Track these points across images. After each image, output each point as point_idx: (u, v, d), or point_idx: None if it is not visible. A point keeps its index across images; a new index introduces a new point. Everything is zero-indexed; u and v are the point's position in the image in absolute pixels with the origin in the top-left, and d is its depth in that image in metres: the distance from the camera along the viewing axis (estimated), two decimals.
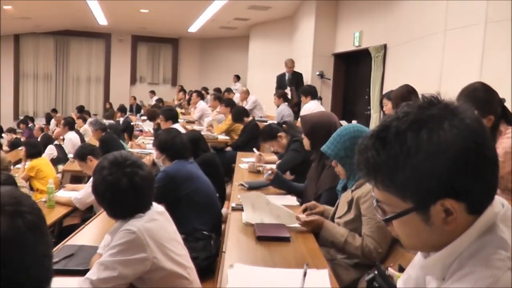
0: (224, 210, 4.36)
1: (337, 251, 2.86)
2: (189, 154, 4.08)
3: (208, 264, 3.38)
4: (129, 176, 2.28)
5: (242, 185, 4.17)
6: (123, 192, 2.27)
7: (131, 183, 2.28)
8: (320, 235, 2.85)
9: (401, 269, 1.98)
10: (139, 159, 2.44)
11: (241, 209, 3.42)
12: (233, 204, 3.53)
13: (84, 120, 11.35)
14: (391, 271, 2.02)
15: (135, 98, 16.95)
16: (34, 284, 1.00)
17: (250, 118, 7.89)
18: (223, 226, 3.95)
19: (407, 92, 4.60)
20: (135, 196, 2.31)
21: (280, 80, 10.76)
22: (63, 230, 4.87)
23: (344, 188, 3.04)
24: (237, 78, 15.37)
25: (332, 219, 2.99)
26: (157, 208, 2.45)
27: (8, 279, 0.95)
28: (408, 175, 1.04)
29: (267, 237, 2.79)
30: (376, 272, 1.92)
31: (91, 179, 4.73)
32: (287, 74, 10.62)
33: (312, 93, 7.99)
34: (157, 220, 2.37)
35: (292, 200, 3.80)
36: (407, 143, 1.03)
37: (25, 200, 1.04)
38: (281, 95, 9.11)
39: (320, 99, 9.04)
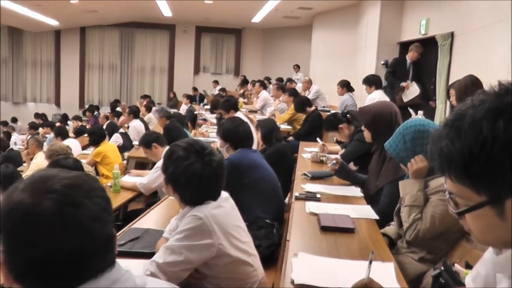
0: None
1: None
2: (252, 143, 4.08)
3: (271, 252, 3.36)
4: (208, 164, 2.31)
5: (305, 174, 4.13)
6: (202, 180, 2.30)
7: (210, 171, 2.30)
8: None
9: (468, 266, 1.90)
10: (213, 148, 2.45)
11: (304, 199, 3.40)
12: (296, 194, 3.50)
13: (148, 109, 11.59)
14: (457, 267, 1.94)
15: (196, 89, 17.14)
16: (95, 264, 1.04)
17: (313, 108, 7.81)
18: (285, 215, 3.93)
19: (471, 84, 4.41)
20: (210, 184, 2.33)
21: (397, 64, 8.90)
22: (128, 214, 4.99)
23: None
24: (298, 67, 15.26)
25: (398, 215, 2.90)
26: (223, 195, 2.45)
27: (63, 260, 0.98)
28: (482, 166, 0.96)
29: (332, 228, 2.75)
30: (442, 268, 1.85)
31: (156, 165, 4.88)
32: (408, 60, 8.55)
33: (376, 83, 7.81)
34: (223, 207, 2.38)
35: (356, 191, 3.73)
36: (483, 133, 0.96)
37: (94, 183, 1.07)
38: (344, 85, 8.96)
39: (384, 89, 8.82)
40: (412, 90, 8.13)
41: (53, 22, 16.56)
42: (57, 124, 12.14)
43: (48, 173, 1.05)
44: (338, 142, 5.82)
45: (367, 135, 3.70)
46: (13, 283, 0.98)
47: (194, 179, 2.29)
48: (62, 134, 8.18)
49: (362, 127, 3.79)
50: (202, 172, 2.29)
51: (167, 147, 4.90)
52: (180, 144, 2.39)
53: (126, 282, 1.07)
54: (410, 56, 8.34)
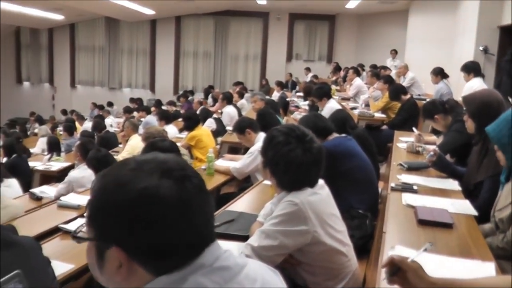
0: None
1: None
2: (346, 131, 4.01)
3: (363, 243, 3.30)
4: (309, 151, 2.30)
5: (401, 165, 4.02)
6: (301, 166, 2.29)
7: (310, 157, 2.29)
8: None
9: None
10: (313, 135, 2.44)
11: (401, 190, 3.32)
12: (393, 184, 3.41)
13: (241, 95, 11.75)
14: None
15: (291, 75, 17.16)
16: (203, 241, 1.06)
17: (408, 96, 7.58)
18: (379, 207, 3.85)
19: None
20: (309, 170, 2.33)
21: None
22: (220, 197, 5.09)
23: (507, 178, 2.77)
24: (395, 53, 14.74)
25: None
26: (319, 182, 2.43)
27: (182, 237, 1.01)
28: None
29: (429, 221, 2.66)
30: None
31: (250, 150, 4.94)
32: None
33: (475, 70, 7.40)
34: (319, 194, 2.36)
35: (454, 184, 3.56)
36: None
37: (188, 165, 1.09)
38: (437, 72, 8.60)
39: (483, 76, 8.36)
40: None
41: (150, 12, 17.13)
42: (152, 108, 12.58)
43: (158, 156, 1.09)
44: (434, 132, 5.61)
45: (470, 125, 3.52)
46: (127, 262, 1.01)
47: (293, 165, 2.29)
48: (165, 118, 8.54)
49: (464, 117, 3.62)
50: (302, 158, 2.28)
51: (260, 133, 5.04)
52: (281, 129, 2.39)
53: (227, 260, 1.08)
54: None
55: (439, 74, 8.57)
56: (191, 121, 6.99)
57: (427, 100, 7.52)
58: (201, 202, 1.05)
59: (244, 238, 2.41)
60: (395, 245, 2.30)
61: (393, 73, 11.58)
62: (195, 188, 1.04)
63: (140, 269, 1.01)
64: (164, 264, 1.01)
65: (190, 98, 15.55)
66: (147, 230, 0.98)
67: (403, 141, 5.23)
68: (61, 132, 10.93)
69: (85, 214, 1.11)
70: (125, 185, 1.01)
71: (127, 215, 0.99)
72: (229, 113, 9.26)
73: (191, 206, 1.02)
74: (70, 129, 9.87)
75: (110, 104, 17.44)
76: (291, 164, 2.29)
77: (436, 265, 2.14)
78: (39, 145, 10.19)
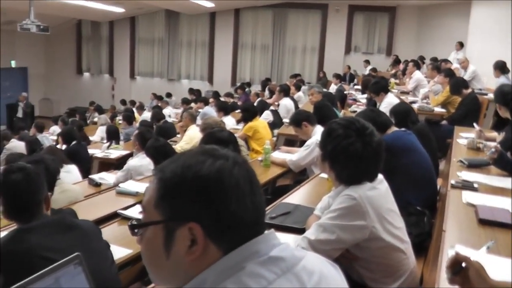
0: None
1: None
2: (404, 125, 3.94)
3: (420, 241, 3.24)
4: (369, 144, 2.27)
5: (461, 161, 3.92)
6: (361, 160, 2.26)
7: (370, 151, 2.26)
8: None
9: None
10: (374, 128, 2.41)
11: (461, 187, 3.23)
12: (453, 182, 3.33)
13: (298, 88, 11.70)
14: None
15: (349, 67, 16.96)
16: (263, 220, 1.11)
17: (469, 90, 7.35)
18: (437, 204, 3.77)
19: None
20: (369, 164, 2.30)
21: None
22: (276, 189, 5.11)
23: None
24: (461, 45, 14.24)
25: None
26: (379, 177, 2.39)
27: (249, 213, 1.07)
28: None
29: (491, 221, 2.58)
30: None
31: (306, 143, 4.93)
32: None
33: None
34: (378, 189, 2.33)
35: None
36: None
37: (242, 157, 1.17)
38: (498, 66, 8.29)
39: None
40: None
41: (209, 5, 17.29)
42: (210, 100, 12.72)
43: (219, 148, 1.16)
44: (496, 128, 5.42)
45: None
46: (202, 239, 1.04)
47: (353, 159, 2.26)
48: (224, 109, 8.67)
49: None
50: (362, 152, 2.25)
51: (317, 126, 5.01)
52: (340, 122, 2.36)
53: (285, 250, 1.09)
54: None
55: (500, 68, 8.27)
56: (249, 113, 7.05)
57: (488, 94, 7.27)
58: (259, 188, 1.12)
59: (300, 231, 2.41)
60: (455, 244, 2.25)
61: (455, 66, 11.24)
62: (254, 174, 1.13)
63: (212, 246, 1.05)
64: (234, 238, 1.05)
65: (247, 90, 15.62)
66: (224, 205, 1.04)
67: (463, 137, 5.09)
68: (120, 121, 11.22)
69: (143, 201, 1.14)
70: (203, 162, 1.07)
71: (207, 189, 1.04)
72: (286, 106, 9.26)
73: (253, 186, 1.09)
74: (129, 118, 10.12)
75: (169, 95, 17.72)
76: (350, 158, 2.26)
77: (496, 267, 2.07)
78: (98, 134, 10.50)
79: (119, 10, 17.79)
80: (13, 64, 19.68)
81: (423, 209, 3.46)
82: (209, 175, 1.04)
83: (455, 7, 16.05)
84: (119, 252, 2.93)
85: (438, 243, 2.48)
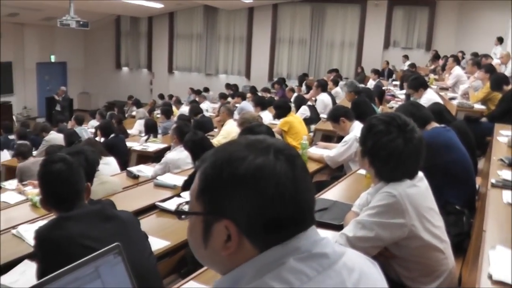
0: None
1: None
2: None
3: (459, 241, 3.18)
4: (410, 141, 2.23)
5: (502, 160, 3.82)
6: (402, 156, 2.23)
7: (411, 148, 2.23)
8: None
9: None
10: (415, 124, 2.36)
11: (502, 187, 3.16)
12: (493, 181, 3.25)
13: (336, 83, 11.62)
14: None
15: (387, 63, 16.73)
16: (306, 219, 1.08)
17: (510, 86, 7.16)
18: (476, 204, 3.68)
19: None
20: (410, 161, 2.26)
21: None
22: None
23: None
24: (499, 41, 13.93)
25: None
26: (419, 174, 2.35)
27: (290, 213, 1.04)
28: None
29: None
30: None
31: (344, 139, 4.90)
32: None
33: None
34: (418, 186, 2.29)
35: None
36: None
37: (292, 147, 1.15)
38: None
39: None
40: None
41: (248, 0, 17.30)
42: (248, 95, 12.74)
43: (267, 137, 1.13)
44: None
45: None
46: (237, 236, 1.04)
47: (394, 155, 2.22)
48: (261, 104, 8.73)
49: None
50: (403, 148, 2.21)
51: (355, 122, 4.97)
52: (381, 118, 2.33)
53: (326, 247, 1.08)
54: None
55: None
56: (282, 110, 7.06)
57: None
58: (308, 182, 1.09)
59: (338, 227, 2.39)
60: (496, 245, 2.19)
61: (495, 62, 10.96)
62: (303, 168, 1.09)
63: (247, 243, 1.04)
64: (270, 237, 1.04)
65: (284, 85, 15.59)
66: (261, 204, 1.02)
67: (504, 134, 4.96)
68: (158, 115, 11.34)
69: (190, 189, 1.14)
70: (243, 159, 1.04)
71: (244, 188, 1.03)
72: (323, 101, 9.21)
73: (300, 184, 1.05)
74: (167, 112, 10.21)
75: (206, 89, 17.83)
76: (391, 155, 2.23)
77: None
78: (136, 127, 10.65)
79: (158, 6, 17.98)
80: (52, 58, 20.16)
81: (462, 208, 3.39)
82: (246, 174, 1.02)
83: (495, 1, 15.65)
84: (157, 244, 2.97)
85: (478, 244, 2.42)
